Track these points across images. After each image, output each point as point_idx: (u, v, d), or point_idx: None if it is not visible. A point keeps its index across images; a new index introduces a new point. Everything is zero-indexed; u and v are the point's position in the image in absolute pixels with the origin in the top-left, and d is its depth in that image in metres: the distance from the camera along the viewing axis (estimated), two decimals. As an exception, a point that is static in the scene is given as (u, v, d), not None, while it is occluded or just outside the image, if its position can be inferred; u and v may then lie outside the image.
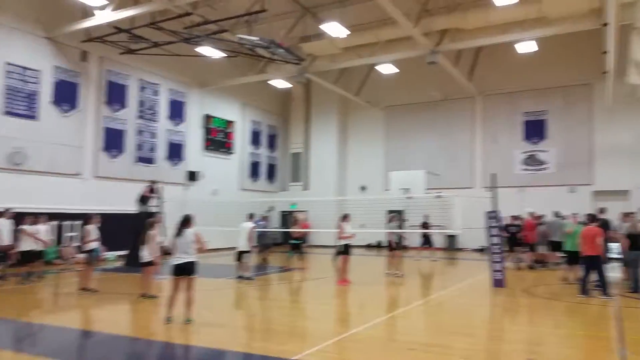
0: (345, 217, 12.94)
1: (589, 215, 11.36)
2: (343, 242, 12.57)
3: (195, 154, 23.86)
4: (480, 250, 22.55)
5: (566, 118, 23.03)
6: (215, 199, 23.17)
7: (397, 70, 23.00)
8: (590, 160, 22.46)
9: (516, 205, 21.10)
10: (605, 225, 12.24)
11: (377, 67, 23.15)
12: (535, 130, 23.73)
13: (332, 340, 6.88)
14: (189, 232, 7.94)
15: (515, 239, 15.85)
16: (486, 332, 8.06)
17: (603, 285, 10.31)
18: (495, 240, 12.08)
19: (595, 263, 10.32)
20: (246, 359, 6.22)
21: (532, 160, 23.68)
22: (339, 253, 12.88)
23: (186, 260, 7.86)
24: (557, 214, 15.48)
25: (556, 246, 15.19)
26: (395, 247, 14.56)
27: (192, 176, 23.46)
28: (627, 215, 11.90)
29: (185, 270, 7.87)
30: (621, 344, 6.63)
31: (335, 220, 20.00)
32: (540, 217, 16.70)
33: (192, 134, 23.77)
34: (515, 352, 6.54)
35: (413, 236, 20.16)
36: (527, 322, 8.74)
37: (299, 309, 9.96)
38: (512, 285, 12.25)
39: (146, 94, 21.48)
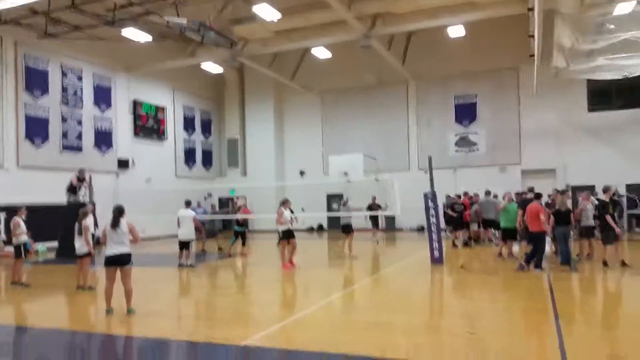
0: (284, 203, 12.80)
1: (535, 193, 11.72)
2: (282, 227, 12.47)
3: (125, 141, 22.81)
4: (419, 230, 23.26)
5: (495, 101, 24.02)
6: (150, 187, 22.32)
7: (331, 55, 23.00)
8: (518, 141, 23.60)
9: (451, 185, 21.92)
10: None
11: (312, 51, 23.01)
12: (466, 113, 24.60)
13: (279, 324, 6.80)
14: (123, 222, 7.64)
15: (461, 217, 16.19)
16: (427, 308, 8.27)
17: (539, 259, 10.80)
18: (433, 219, 12.42)
19: (540, 238, 10.80)
20: (192, 347, 6.00)
21: (464, 142, 24.58)
22: (280, 238, 12.77)
23: (120, 252, 7.59)
24: (487, 193, 16.18)
25: (489, 224, 16.03)
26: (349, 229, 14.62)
27: (123, 164, 22.42)
28: (561, 193, 12.66)
29: (119, 261, 7.62)
30: (554, 315, 7.00)
31: (275, 205, 20.02)
32: (474, 196, 17.42)
33: (121, 120, 22.68)
34: (455, 326, 6.74)
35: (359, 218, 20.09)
36: (466, 297, 9.06)
37: (244, 295, 9.79)
38: (450, 262, 12.70)
39: (69, 80, 20.20)
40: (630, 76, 17.64)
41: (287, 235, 12.39)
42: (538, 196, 11.38)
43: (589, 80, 21.47)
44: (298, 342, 5.99)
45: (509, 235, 12.84)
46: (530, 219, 10.96)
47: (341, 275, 12.01)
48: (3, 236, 15.83)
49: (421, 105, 25.51)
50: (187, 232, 12.95)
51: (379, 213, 18.66)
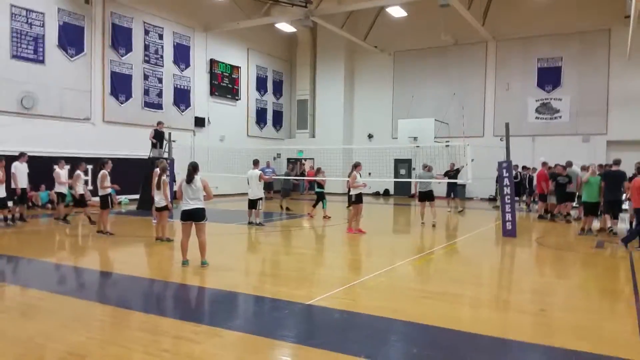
0: (356, 166, 12.56)
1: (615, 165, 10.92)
2: (355, 191, 12.33)
3: (201, 100, 23.56)
4: (490, 199, 22.57)
5: (582, 65, 22.38)
6: (223, 145, 23.05)
7: (407, 14, 22.19)
8: (605, 109, 21.97)
9: (528, 155, 20.93)
10: (622, 176, 12.09)
11: (387, 10, 22.32)
12: (549, 77, 23.12)
13: (344, 286, 6.91)
14: (197, 179, 7.94)
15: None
16: (496, 281, 8.07)
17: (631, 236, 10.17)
18: (507, 190, 11.96)
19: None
20: (259, 301, 6.26)
21: (545, 109, 23.23)
22: (351, 202, 12.74)
23: (194, 207, 7.92)
24: (569, 164, 15.22)
25: (568, 197, 15.02)
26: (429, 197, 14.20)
27: (199, 122, 23.24)
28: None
29: (193, 216, 7.96)
30: (635, 297, 6.61)
31: (342, 168, 20.07)
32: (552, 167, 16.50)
33: (198, 79, 23.37)
34: (525, 302, 6.54)
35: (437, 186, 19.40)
36: (538, 273, 8.74)
37: (310, 255, 10.02)
38: (523, 235, 12.26)
39: (151, 38, 20.96)
40: None
41: (359, 200, 12.32)
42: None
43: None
44: (360, 306, 6.07)
45: (590, 210, 12.15)
46: (636, 194, 10.11)
47: (408, 243, 11.96)
48: (90, 186, 17.04)
49: (500, 68, 24.24)
50: (255, 191, 13.32)
51: (456, 181, 17.66)
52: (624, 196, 12.44)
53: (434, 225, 13.73)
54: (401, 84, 26.73)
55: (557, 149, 21.12)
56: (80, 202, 13.31)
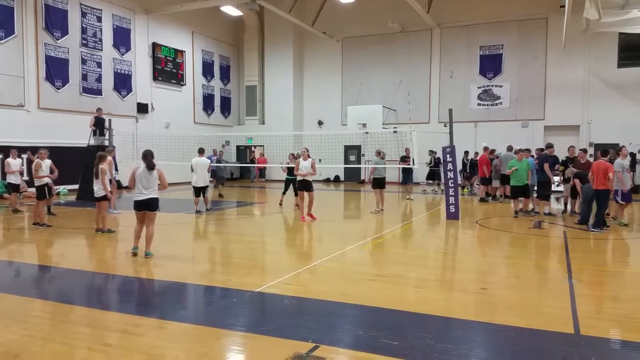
0: (302, 153, 12.56)
1: (602, 150, 11.07)
2: (299, 178, 12.37)
3: (144, 85, 22.77)
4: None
5: (521, 53, 23.22)
6: (168, 132, 22.43)
7: (354, 1, 22.25)
8: (542, 96, 22.94)
9: (471, 140, 21.61)
10: (555, 160, 12.71)
11: (334, -4, 22.31)
12: (491, 64, 23.87)
13: (293, 272, 6.92)
14: (155, 169, 7.88)
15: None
16: (441, 262, 8.32)
17: (597, 219, 10.55)
18: (451, 174, 12.31)
19: (606, 197, 10.43)
20: (206, 291, 6.17)
21: (487, 95, 24.01)
22: (297, 189, 12.78)
23: (149, 197, 7.85)
24: (509, 149, 15.87)
25: (508, 180, 15.65)
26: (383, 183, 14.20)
27: (142, 108, 22.47)
28: (584, 152, 12.35)
29: (148, 206, 7.88)
30: (567, 274, 6.99)
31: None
32: (493, 151, 17.16)
33: (140, 63, 22.56)
34: (469, 281, 6.79)
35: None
36: (479, 253, 9.08)
37: (260, 243, 9.96)
38: (465, 218, 12.68)
39: (89, 20, 20.00)
40: (667, 30, 16.78)
41: (304, 187, 12.35)
42: (605, 153, 10.85)
43: (620, 34, 20.52)
44: (310, 291, 6.10)
45: (518, 193, 12.70)
46: (597, 177, 10.41)
47: (357, 229, 12.10)
48: (26, 177, 16.19)
49: (445, 55, 24.78)
50: (202, 178, 13.12)
51: (409, 166, 17.87)
52: (557, 178, 13.04)
53: (382, 210, 13.92)
54: (350, 70, 26.84)
55: (498, 134, 21.93)
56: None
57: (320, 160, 21.29)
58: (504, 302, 5.74)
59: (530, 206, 13.53)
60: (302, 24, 25.24)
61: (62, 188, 17.41)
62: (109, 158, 10.94)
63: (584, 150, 12.94)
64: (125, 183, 21.04)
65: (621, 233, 10.53)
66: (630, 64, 21.38)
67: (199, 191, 13.25)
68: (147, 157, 7.84)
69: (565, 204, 13.60)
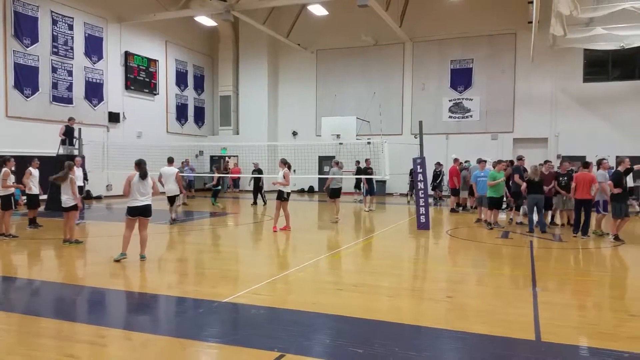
0: (287, 163, 12.48)
1: (584, 162, 11.68)
2: (287, 189, 12.27)
3: (116, 94, 22.50)
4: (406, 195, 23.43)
5: (491, 67, 23.79)
6: (140, 142, 22.18)
7: (328, 13, 22.56)
8: (512, 109, 23.52)
9: (443, 152, 21.98)
10: (518, 170, 13.07)
11: (308, 8, 22.52)
12: (461, 78, 24.38)
13: (263, 282, 6.92)
14: (148, 176, 8.30)
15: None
16: (411, 272, 8.43)
17: (585, 226, 11.06)
18: (421, 185, 12.50)
19: (588, 206, 10.99)
20: (173, 301, 6.12)
21: (458, 108, 24.48)
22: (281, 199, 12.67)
23: (146, 203, 8.27)
24: (479, 161, 16.17)
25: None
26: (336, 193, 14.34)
27: (114, 118, 22.18)
28: (544, 163, 12.73)
29: (144, 212, 8.31)
30: (531, 283, 7.18)
31: (267, 165, 20.07)
32: (462, 163, 17.49)
33: (112, 72, 22.29)
34: (436, 290, 6.92)
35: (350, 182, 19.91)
36: (449, 263, 9.24)
37: (231, 253, 9.92)
38: (436, 228, 12.87)
39: (60, 28, 19.71)
40: (627, 47, 17.52)
41: (280, 197, 12.29)
42: (587, 165, 11.38)
43: (585, 50, 21.27)
44: (278, 301, 6.12)
45: (495, 204, 12.95)
46: (581, 187, 10.94)
47: (328, 239, 12.15)
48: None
49: (417, 69, 25.22)
50: (172, 187, 13.17)
51: (371, 177, 18.09)
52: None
53: (337, 222, 13.96)
54: (324, 82, 27.05)
55: (469, 146, 22.36)
56: None
57: (294, 171, 21.30)
58: (469, 310, 5.87)
59: (503, 216, 13.84)
60: (277, 35, 25.38)
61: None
62: (79, 168, 10.82)
63: (548, 162, 13.30)
64: (96, 193, 20.77)
65: (591, 243, 10.83)
66: (595, 79, 22.15)
67: (170, 200, 13.31)
68: (141, 165, 8.25)
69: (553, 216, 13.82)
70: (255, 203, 19.03)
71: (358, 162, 19.22)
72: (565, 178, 12.39)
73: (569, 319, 5.59)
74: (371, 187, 17.76)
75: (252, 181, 19.30)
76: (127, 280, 7.20)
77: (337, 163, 14.37)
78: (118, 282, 7.11)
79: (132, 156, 18.36)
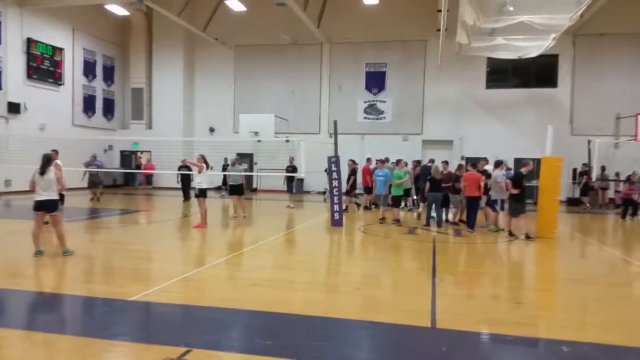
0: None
1: (471, 164, 13.09)
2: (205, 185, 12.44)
3: (16, 83, 20.90)
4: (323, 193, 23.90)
5: (403, 71, 24.85)
6: (43, 135, 20.79)
7: (246, 9, 22.49)
8: (421, 112, 24.74)
9: (358, 151, 22.66)
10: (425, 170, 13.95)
11: (225, 2, 22.29)
12: (376, 81, 25.25)
13: (174, 279, 6.86)
14: (50, 170, 8.20)
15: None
16: (321, 266, 8.72)
17: (471, 220, 12.30)
18: (335, 183, 12.87)
19: (475, 203, 12.30)
20: (77, 301, 5.92)
21: (372, 110, 25.34)
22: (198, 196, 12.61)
23: (47, 198, 8.17)
24: (397, 162, 16.87)
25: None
26: (240, 190, 14.55)
27: (13, 108, 20.60)
28: (444, 163, 13.65)
29: (46, 207, 8.20)
30: (431, 274, 7.73)
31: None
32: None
33: (12, 59, 20.68)
34: (344, 283, 7.26)
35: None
36: (359, 257, 9.65)
37: (143, 251, 9.66)
38: (349, 225, 13.32)
39: (-52, 7, 17.97)
40: (524, 57, 19.05)
41: (204, 194, 12.37)
42: (474, 166, 12.86)
43: (489, 59, 22.85)
44: (189, 298, 6.11)
45: (399, 202, 13.84)
46: (470, 186, 12.19)
47: (244, 235, 12.18)
48: None
49: (334, 70, 25.76)
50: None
51: (294, 175, 18.32)
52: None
53: (245, 217, 14.20)
54: (243, 78, 26.83)
55: (382, 146, 23.23)
56: None
57: (211, 168, 20.99)
58: (373, 300, 6.22)
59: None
60: (193, 29, 24.80)
61: None
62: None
63: (446, 162, 14.20)
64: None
65: (488, 237, 11.72)
66: (496, 86, 23.91)
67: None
68: (42, 160, 8.22)
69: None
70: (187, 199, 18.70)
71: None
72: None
73: (463, 307, 6.10)
74: (290, 186, 18.55)
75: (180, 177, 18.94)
76: (29, 280, 6.82)
77: (237, 160, 14.69)
78: (18, 282, 6.72)
79: (35, 150, 17.31)
